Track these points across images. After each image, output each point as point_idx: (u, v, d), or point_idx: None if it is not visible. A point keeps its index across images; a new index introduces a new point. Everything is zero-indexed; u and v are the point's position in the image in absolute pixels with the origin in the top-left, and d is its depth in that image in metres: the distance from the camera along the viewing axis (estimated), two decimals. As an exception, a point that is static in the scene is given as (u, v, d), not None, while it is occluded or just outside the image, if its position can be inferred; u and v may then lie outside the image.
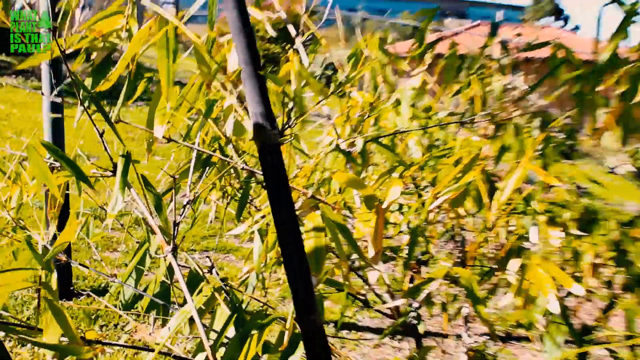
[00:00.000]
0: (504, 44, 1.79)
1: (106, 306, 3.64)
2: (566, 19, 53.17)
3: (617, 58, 1.40)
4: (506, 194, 1.38)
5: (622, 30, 1.38)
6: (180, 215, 1.21)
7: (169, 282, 1.45)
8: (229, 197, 1.63)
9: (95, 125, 1.12)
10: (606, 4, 1.64)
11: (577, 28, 54.34)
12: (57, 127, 3.76)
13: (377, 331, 3.88)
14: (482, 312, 1.22)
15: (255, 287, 1.39)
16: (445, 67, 1.95)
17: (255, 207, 1.60)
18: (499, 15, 16.58)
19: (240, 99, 1.47)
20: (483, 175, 1.43)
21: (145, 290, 1.42)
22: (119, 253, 4.83)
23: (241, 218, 1.59)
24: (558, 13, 52.59)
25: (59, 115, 3.69)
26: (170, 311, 1.46)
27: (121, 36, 1.48)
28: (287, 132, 1.13)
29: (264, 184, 1.59)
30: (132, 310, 1.46)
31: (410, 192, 1.80)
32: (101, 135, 1.14)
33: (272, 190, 0.94)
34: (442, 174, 1.50)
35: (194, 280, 1.44)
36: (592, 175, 1.84)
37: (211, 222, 1.71)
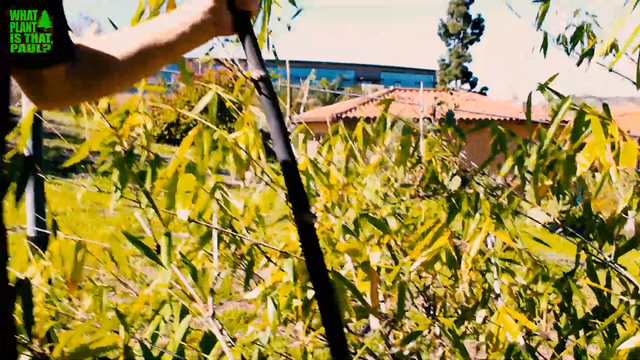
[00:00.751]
0: (460, 132, 2.09)
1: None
2: (474, 82, 55.54)
3: (552, 146, 1.72)
4: (473, 254, 1.67)
5: (553, 123, 1.71)
6: (214, 285, 1.45)
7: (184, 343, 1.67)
8: (234, 266, 1.86)
9: (159, 215, 1.35)
10: (537, 89, 1.98)
11: (485, 89, 56.76)
12: (39, 202, 4.00)
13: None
14: (461, 345, 1.50)
15: (266, 344, 1.62)
16: (401, 146, 2.25)
17: (258, 275, 1.84)
18: (422, 83, 17.38)
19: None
20: (450, 240, 1.72)
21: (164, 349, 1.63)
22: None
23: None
24: (466, 76, 54.95)
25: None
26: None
27: (140, 133, 1.73)
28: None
29: (267, 254, 1.84)
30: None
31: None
32: (147, 220, 1.37)
33: (311, 259, 1.19)
34: (416, 241, 1.79)
35: (207, 340, 1.66)
36: (532, 235, 2.16)
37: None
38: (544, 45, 2.44)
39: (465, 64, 54.85)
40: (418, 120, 12.03)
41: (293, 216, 1.20)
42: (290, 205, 1.21)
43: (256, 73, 1.22)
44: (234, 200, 1.96)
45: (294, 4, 2.11)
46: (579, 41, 2.38)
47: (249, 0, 1.21)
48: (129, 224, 6.69)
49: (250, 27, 1.26)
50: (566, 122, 1.78)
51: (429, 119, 7.88)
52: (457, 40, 55.63)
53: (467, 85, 54.29)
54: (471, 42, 55.33)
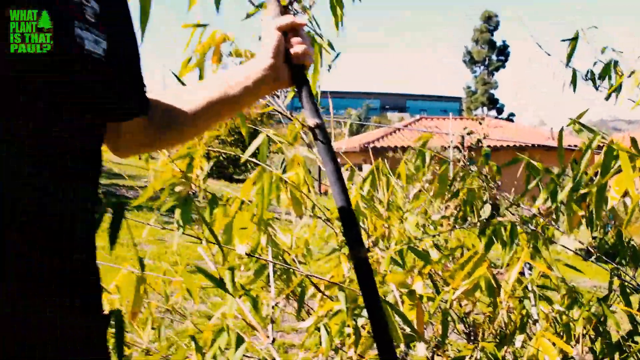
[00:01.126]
0: (498, 169, 2.20)
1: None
2: (501, 108, 55.47)
3: (583, 178, 1.83)
4: (511, 282, 1.78)
5: (584, 157, 1.82)
6: (273, 314, 1.57)
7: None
8: (287, 297, 1.99)
9: (222, 250, 1.48)
10: (568, 124, 2.09)
11: (512, 115, 56.63)
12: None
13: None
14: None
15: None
16: (438, 180, 2.37)
17: (308, 306, 1.96)
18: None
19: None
20: (489, 270, 1.83)
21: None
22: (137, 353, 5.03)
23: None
24: (493, 103, 54.92)
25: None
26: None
27: (197, 174, 1.87)
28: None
29: (317, 285, 1.96)
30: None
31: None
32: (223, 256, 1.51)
33: (366, 289, 1.31)
34: (456, 270, 1.90)
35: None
36: (564, 261, 2.26)
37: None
38: (574, 81, 2.55)
39: (492, 91, 54.85)
40: (445, 148, 12.12)
41: (349, 251, 1.32)
42: (346, 241, 1.33)
43: (312, 121, 1.35)
44: (281, 234, 2.09)
45: (332, 48, 2.25)
46: (607, 76, 2.50)
47: (304, 56, 1.34)
48: (167, 257, 6.86)
49: (306, 80, 1.39)
50: (601, 147, 1.89)
51: (458, 148, 7.97)
52: (482, 67, 55.73)
53: (493, 112, 54.23)
54: (497, 69, 55.39)
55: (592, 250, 2.31)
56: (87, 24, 1.02)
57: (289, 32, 1.33)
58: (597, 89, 2.51)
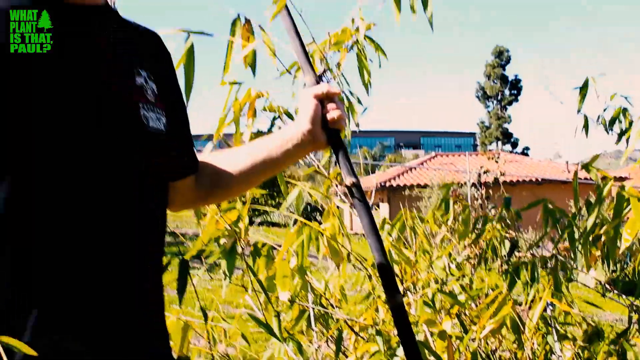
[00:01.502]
0: (518, 214, 2.35)
1: None
2: (515, 142, 55.49)
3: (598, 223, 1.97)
4: (535, 320, 1.91)
5: (598, 203, 1.96)
6: (316, 356, 1.71)
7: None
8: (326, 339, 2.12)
9: (269, 299, 1.63)
10: (582, 167, 2.23)
11: (527, 149, 56.64)
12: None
13: None
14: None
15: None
16: (461, 223, 2.52)
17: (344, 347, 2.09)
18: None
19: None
20: (514, 308, 1.96)
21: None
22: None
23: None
24: (507, 137, 54.98)
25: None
26: None
27: (239, 226, 2.02)
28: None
29: (353, 328, 2.10)
30: None
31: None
32: (268, 298, 1.65)
33: (403, 332, 1.45)
34: (482, 310, 2.04)
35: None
36: (584, 296, 2.39)
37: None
38: (585, 126, 2.70)
39: (505, 125, 54.93)
40: (462, 185, 12.23)
41: (386, 298, 1.46)
42: (384, 289, 1.47)
43: (349, 180, 1.50)
44: (315, 281, 2.23)
45: (360, 102, 2.41)
46: (617, 121, 2.64)
47: (339, 121, 1.48)
48: (193, 302, 6.97)
49: (342, 142, 1.53)
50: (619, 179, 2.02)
51: (475, 185, 8.11)
52: (495, 102, 55.88)
53: (508, 146, 54.27)
54: (510, 103, 55.53)
55: (609, 287, 2.43)
56: (149, 104, 1.19)
57: (324, 99, 1.47)
58: (607, 132, 2.65)
